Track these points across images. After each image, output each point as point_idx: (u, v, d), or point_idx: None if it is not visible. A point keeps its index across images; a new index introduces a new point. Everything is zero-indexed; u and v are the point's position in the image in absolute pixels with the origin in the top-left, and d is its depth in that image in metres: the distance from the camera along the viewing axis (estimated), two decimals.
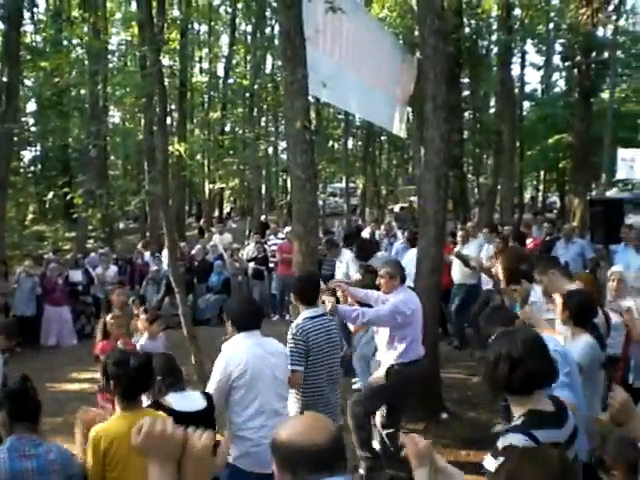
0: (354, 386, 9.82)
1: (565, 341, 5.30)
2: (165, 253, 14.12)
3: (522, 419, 3.30)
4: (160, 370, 4.72)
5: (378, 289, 7.30)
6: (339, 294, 7.07)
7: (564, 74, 37.39)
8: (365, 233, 19.23)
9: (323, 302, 6.45)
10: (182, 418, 3.95)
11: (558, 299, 5.66)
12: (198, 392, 4.86)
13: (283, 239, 17.27)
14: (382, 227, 20.72)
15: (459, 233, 13.50)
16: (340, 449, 2.47)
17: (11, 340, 7.00)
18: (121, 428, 4.03)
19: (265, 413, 5.05)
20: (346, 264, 11.60)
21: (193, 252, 18.43)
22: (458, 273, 12.52)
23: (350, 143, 44.39)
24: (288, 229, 17.74)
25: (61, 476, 3.97)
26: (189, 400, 4.68)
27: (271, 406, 5.11)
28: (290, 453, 2.40)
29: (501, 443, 3.22)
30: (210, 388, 5.02)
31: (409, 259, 10.75)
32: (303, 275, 6.90)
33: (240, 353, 5.07)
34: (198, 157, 32.07)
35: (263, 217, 29.69)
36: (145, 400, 4.56)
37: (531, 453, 2.50)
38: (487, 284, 11.90)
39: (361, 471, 7.02)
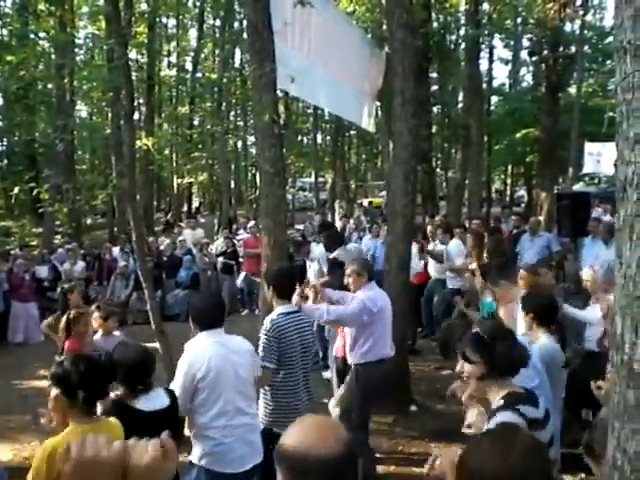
0: (324, 374, 9.92)
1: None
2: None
3: (503, 400, 3.54)
4: (136, 373, 4.59)
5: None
6: (311, 295, 6.75)
7: (531, 69, 37.79)
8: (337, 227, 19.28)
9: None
10: (146, 417, 4.18)
11: (513, 306, 5.83)
12: (161, 389, 4.76)
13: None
14: (351, 221, 20.78)
15: (429, 228, 13.55)
16: (352, 458, 2.22)
17: None
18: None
19: (229, 413, 4.94)
20: (318, 262, 11.51)
21: (162, 247, 18.35)
22: (433, 269, 12.59)
23: (319, 137, 44.50)
24: (252, 224, 17.70)
25: None
26: (153, 398, 4.58)
27: (234, 405, 4.98)
28: (298, 463, 2.15)
29: (493, 423, 3.38)
30: (175, 390, 4.88)
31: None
32: (282, 268, 6.66)
33: (202, 353, 4.94)
34: (166, 152, 31.95)
35: (231, 212, 29.65)
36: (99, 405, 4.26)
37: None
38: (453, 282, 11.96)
39: None
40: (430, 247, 12.75)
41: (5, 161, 36.78)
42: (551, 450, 3.82)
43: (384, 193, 31.36)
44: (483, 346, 3.72)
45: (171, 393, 4.76)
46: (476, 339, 3.81)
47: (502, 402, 3.53)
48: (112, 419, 4.08)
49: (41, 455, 3.68)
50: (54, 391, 3.87)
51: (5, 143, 35.88)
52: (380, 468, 7.14)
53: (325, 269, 10.98)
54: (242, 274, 16.48)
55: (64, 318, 7.85)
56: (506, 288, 6.51)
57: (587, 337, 7.48)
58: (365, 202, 36.81)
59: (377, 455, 7.31)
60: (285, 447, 2.18)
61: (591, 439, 3.63)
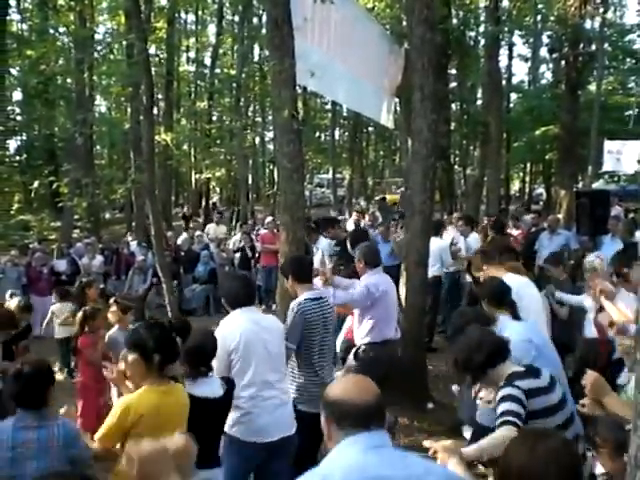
0: None
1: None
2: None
3: (505, 380, 4.16)
4: (195, 356, 4.77)
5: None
6: (320, 282, 7.06)
7: (551, 66, 37.55)
8: (350, 223, 19.19)
9: None
10: (201, 404, 4.45)
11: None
12: (219, 378, 4.88)
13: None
14: (367, 217, 20.72)
15: (459, 222, 13.49)
16: (380, 408, 2.77)
17: (6, 330, 6.86)
18: (151, 402, 4.09)
19: (257, 384, 5.15)
20: (322, 251, 11.57)
21: (179, 242, 18.37)
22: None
23: (337, 134, 44.44)
24: (269, 219, 17.69)
25: (62, 454, 4.00)
26: (209, 386, 4.72)
27: (263, 378, 5.19)
28: (338, 409, 2.73)
29: (497, 397, 4.10)
30: (213, 364, 5.02)
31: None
32: (294, 257, 6.97)
33: (235, 328, 5.19)
34: (185, 147, 32.00)
35: (249, 208, 29.68)
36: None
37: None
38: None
39: None
40: (449, 237, 12.76)
41: (24, 155, 36.92)
42: (572, 426, 4.29)
43: (401, 190, 31.30)
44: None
45: (228, 382, 4.88)
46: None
47: (503, 382, 4.15)
48: (179, 385, 4.43)
49: (115, 411, 4.07)
50: (131, 356, 4.19)
51: (25, 137, 35.98)
52: None
53: (327, 259, 11.08)
54: (258, 268, 16.48)
55: (80, 314, 7.89)
56: (490, 272, 6.81)
57: (585, 324, 7.52)
58: (377, 198, 36.73)
59: None
60: (329, 396, 2.80)
61: (595, 434, 3.80)
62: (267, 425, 5.15)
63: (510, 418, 3.87)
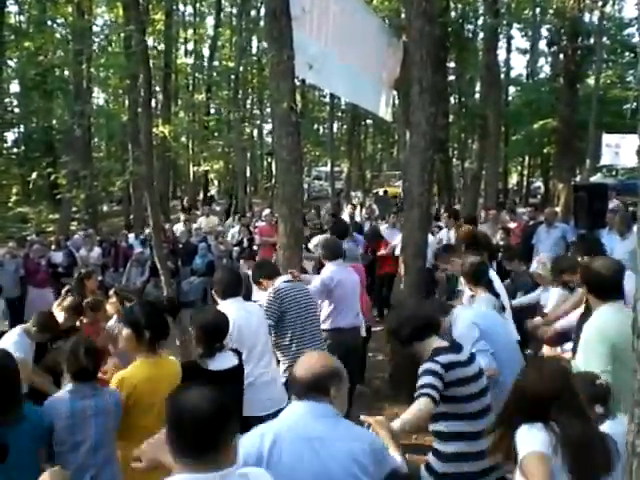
0: None
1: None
2: None
3: (430, 355, 4.43)
4: (212, 333, 5.04)
5: None
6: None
7: (549, 59, 37.55)
8: (345, 216, 19.22)
9: None
10: (215, 377, 4.72)
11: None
12: (230, 350, 5.18)
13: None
14: (364, 210, 20.75)
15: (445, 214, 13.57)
16: (319, 384, 3.16)
17: (44, 334, 6.84)
18: (143, 373, 4.47)
19: (249, 365, 5.58)
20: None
21: (177, 234, 18.36)
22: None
23: (335, 127, 44.38)
24: (267, 212, 17.68)
25: (116, 418, 4.40)
26: (226, 358, 5.03)
27: (254, 358, 5.72)
28: (290, 380, 3.36)
29: (420, 371, 4.37)
30: None
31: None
32: (259, 262, 7.86)
33: (230, 317, 5.36)
34: (183, 139, 31.97)
35: (247, 200, 29.61)
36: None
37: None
38: None
39: None
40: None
41: (22, 148, 36.88)
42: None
43: (400, 183, 31.30)
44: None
45: (239, 354, 5.24)
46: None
47: (429, 356, 4.43)
48: (172, 358, 4.87)
49: (115, 382, 4.46)
50: (125, 331, 4.62)
51: (22, 130, 35.94)
52: None
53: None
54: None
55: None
56: (456, 263, 7.23)
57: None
58: (381, 191, 36.69)
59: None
60: (292, 373, 3.29)
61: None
62: (263, 401, 5.59)
63: (426, 391, 4.19)
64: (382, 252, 13.09)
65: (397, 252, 12.22)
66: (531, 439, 3.28)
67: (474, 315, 5.68)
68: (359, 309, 7.96)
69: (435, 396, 4.18)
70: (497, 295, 6.46)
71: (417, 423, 4.12)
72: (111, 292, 8.16)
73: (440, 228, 14.29)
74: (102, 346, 7.61)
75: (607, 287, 4.87)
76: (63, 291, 9.27)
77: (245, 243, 17.41)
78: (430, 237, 11.94)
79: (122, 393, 4.40)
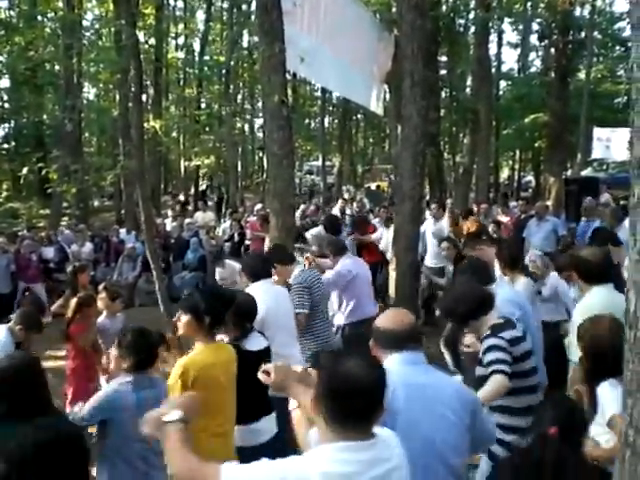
0: None
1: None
2: None
3: (489, 330, 4.61)
4: (245, 314, 5.23)
5: None
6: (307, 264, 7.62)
7: (541, 53, 37.58)
8: (335, 210, 19.22)
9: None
10: (254, 356, 4.86)
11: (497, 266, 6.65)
12: (258, 333, 5.33)
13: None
14: (354, 205, 20.75)
15: (432, 206, 13.55)
16: (412, 334, 3.48)
17: (29, 333, 6.76)
18: (205, 359, 4.44)
19: (278, 346, 5.61)
20: None
21: (168, 229, 18.35)
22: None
23: (327, 121, 44.33)
24: (259, 207, 17.70)
25: None
26: (257, 340, 5.22)
27: (283, 340, 5.84)
28: (379, 335, 3.51)
29: (483, 347, 4.56)
30: None
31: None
32: (275, 245, 7.63)
33: (259, 299, 5.55)
34: (174, 134, 31.90)
35: (238, 195, 29.58)
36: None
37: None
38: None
39: None
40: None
41: (13, 143, 36.73)
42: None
43: (391, 177, 31.33)
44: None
45: (264, 336, 5.39)
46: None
47: (489, 331, 4.60)
48: (226, 343, 4.94)
49: (175, 372, 4.37)
50: (185, 317, 4.62)
51: (13, 125, 35.79)
52: None
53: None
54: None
55: (74, 301, 7.85)
56: (485, 250, 7.25)
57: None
58: (373, 186, 36.68)
59: None
60: (375, 325, 3.56)
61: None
62: None
63: (499, 367, 4.34)
64: (367, 237, 13.04)
65: (381, 246, 12.31)
66: (615, 397, 3.44)
67: (517, 295, 5.84)
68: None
69: (508, 371, 4.34)
70: (535, 279, 6.79)
71: (493, 400, 4.33)
72: (100, 287, 8.14)
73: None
74: (92, 341, 7.65)
75: (594, 272, 5.29)
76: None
77: (236, 238, 17.42)
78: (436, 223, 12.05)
79: (187, 379, 4.35)
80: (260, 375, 2.95)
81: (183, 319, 4.66)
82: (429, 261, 12.12)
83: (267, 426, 5.12)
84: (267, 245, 10.06)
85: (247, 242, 17.23)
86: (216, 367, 4.48)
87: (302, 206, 20.42)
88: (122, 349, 4.63)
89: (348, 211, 19.39)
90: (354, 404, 2.42)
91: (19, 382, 3.80)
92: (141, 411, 4.04)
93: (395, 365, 3.35)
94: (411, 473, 2.67)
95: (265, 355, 5.13)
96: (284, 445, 4.87)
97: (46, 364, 10.39)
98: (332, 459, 2.35)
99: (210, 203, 33.81)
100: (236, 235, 17.54)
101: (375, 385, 2.48)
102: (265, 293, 5.84)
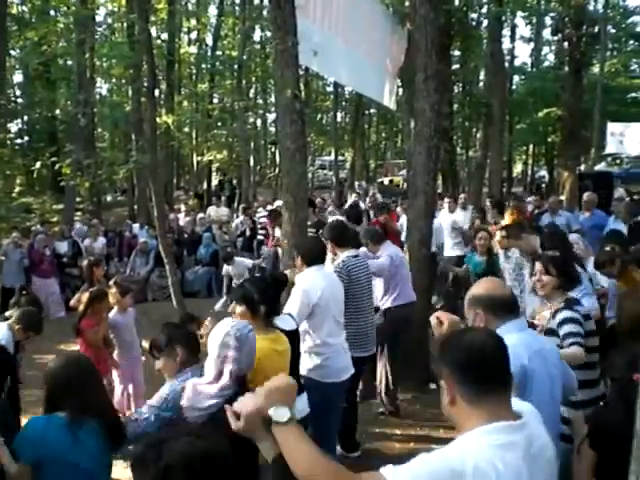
0: None
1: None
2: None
3: (563, 303, 4.98)
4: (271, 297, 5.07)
5: None
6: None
7: (554, 48, 37.40)
8: (349, 204, 19.23)
9: None
10: (288, 335, 4.95)
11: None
12: (288, 315, 5.42)
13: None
14: (367, 199, 20.72)
15: (446, 199, 13.64)
16: (516, 299, 3.74)
17: (28, 333, 6.71)
18: (264, 348, 4.36)
19: (332, 333, 6.02)
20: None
21: (181, 224, 18.38)
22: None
23: (339, 116, 44.27)
24: (278, 203, 17.68)
25: None
26: (286, 321, 5.26)
27: (334, 327, 6.09)
28: (492, 302, 3.57)
29: (558, 318, 4.84)
30: (292, 312, 5.63)
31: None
32: (335, 223, 8.01)
33: (315, 284, 5.90)
34: (186, 129, 31.89)
35: (251, 190, 29.53)
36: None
37: None
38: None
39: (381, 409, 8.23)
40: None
41: (26, 138, 36.82)
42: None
43: (404, 172, 31.27)
44: (560, 264, 5.29)
45: (293, 317, 5.48)
46: (556, 259, 5.41)
47: (563, 304, 4.96)
48: (281, 333, 4.90)
49: None
50: (239, 308, 4.71)
51: (26, 120, 35.89)
52: (399, 445, 7.37)
53: None
54: (264, 250, 16.47)
55: (86, 295, 7.88)
56: (529, 240, 7.71)
57: None
58: (386, 180, 36.62)
59: (397, 432, 7.70)
60: (481, 295, 3.62)
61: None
62: (341, 368, 6.09)
63: (578, 339, 4.65)
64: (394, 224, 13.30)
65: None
66: None
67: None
68: None
69: (584, 344, 4.68)
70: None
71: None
72: (111, 282, 8.17)
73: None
74: (103, 336, 7.67)
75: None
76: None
77: (247, 233, 17.45)
78: (436, 222, 12.08)
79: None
80: (229, 415, 2.51)
81: (238, 310, 4.73)
82: (447, 251, 12.87)
83: (299, 406, 4.98)
84: (278, 239, 10.18)
85: (259, 237, 17.27)
86: (273, 357, 4.52)
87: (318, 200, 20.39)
88: (166, 349, 4.34)
89: (362, 205, 19.37)
90: (489, 370, 2.39)
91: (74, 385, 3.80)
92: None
93: (515, 332, 3.50)
94: None
95: (294, 335, 5.24)
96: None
97: None
98: (487, 444, 2.25)
99: (223, 198, 33.86)
100: (248, 230, 17.56)
101: (501, 348, 2.48)
102: (321, 279, 6.03)
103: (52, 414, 3.79)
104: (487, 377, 2.37)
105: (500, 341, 2.52)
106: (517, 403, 2.48)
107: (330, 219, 12.66)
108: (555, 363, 3.69)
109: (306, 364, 5.86)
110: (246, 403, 2.43)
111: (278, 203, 17.67)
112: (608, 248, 7.21)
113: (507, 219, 12.59)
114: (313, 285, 5.91)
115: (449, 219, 12.69)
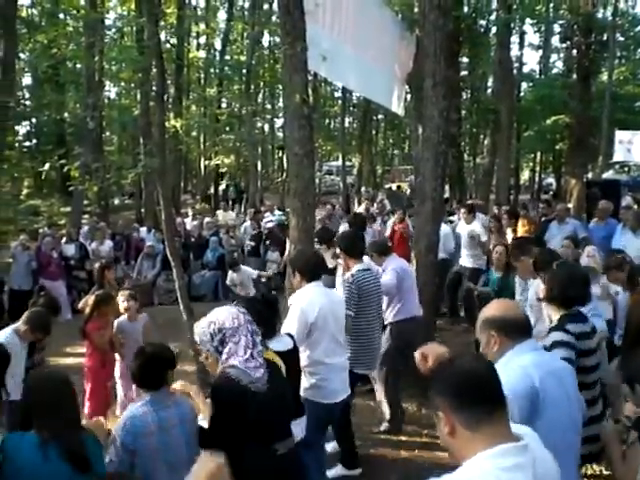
0: None
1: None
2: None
3: (557, 321, 4.79)
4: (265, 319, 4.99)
5: None
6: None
7: (562, 55, 37.36)
8: (360, 211, 19.22)
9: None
10: (281, 356, 4.66)
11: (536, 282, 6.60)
12: (285, 334, 5.36)
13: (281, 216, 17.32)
14: (375, 205, 20.72)
15: (462, 210, 13.60)
16: (528, 322, 3.71)
17: (36, 334, 6.67)
18: None
19: (329, 352, 5.82)
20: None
21: (188, 228, 18.42)
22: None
23: (347, 121, 44.30)
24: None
25: (195, 427, 4.23)
26: (282, 341, 5.17)
27: (333, 346, 5.88)
28: (505, 324, 3.51)
29: (549, 340, 4.63)
30: (290, 331, 5.54)
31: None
32: (348, 233, 8.11)
33: (313, 301, 5.73)
34: (194, 133, 31.96)
35: (258, 195, 29.53)
36: None
37: None
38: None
39: (382, 428, 7.87)
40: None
41: (34, 140, 36.92)
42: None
43: (411, 178, 31.26)
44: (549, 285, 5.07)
45: (292, 337, 5.39)
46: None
47: (556, 322, 4.79)
48: (273, 353, 4.67)
49: None
50: None
51: (34, 122, 35.99)
52: (404, 452, 7.33)
53: None
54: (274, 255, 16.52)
55: (92, 298, 7.92)
56: (526, 263, 7.40)
57: None
58: (393, 186, 36.62)
59: (402, 439, 7.64)
60: (494, 316, 3.57)
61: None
62: (338, 389, 5.92)
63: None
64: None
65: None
66: None
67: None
68: None
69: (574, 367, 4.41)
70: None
71: None
72: (125, 292, 8.25)
73: (451, 222, 14.36)
74: (111, 339, 7.70)
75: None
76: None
77: (255, 238, 17.50)
78: (445, 228, 12.07)
79: None
80: None
81: None
82: (465, 260, 12.64)
83: (296, 431, 4.89)
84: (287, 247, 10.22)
85: (267, 242, 17.30)
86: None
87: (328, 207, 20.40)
88: (137, 369, 4.39)
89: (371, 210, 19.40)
90: (485, 392, 2.34)
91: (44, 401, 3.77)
92: (162, 433, 4.16)
93: (528, 353, 3.51)
94: (557, 454, 2.62)
95: (292, 355, 5.15)
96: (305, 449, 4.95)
97: (66, 361, 10.52)
98: (494, 467, 2.19)
99: (230, 202, 33.92)
100: (253, 234, 17.62)
101: (492, 370, 2.43)
102: (319, 297, 5.82)
103: (26, 432, 3.75)
104: (484, 399, 2.33)
105: (490, 364, 2.52)
106: (514, 426, 2.43)
107: (341, 227, 12.75)
108: (572, 382, 3.67)
109: (302, 383, 5.67)
110: None
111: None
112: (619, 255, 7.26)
113: (520, 230, 12.74)
114: (311, 303, 5.73)
115: (466, 229, 12.62)
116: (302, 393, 5.63)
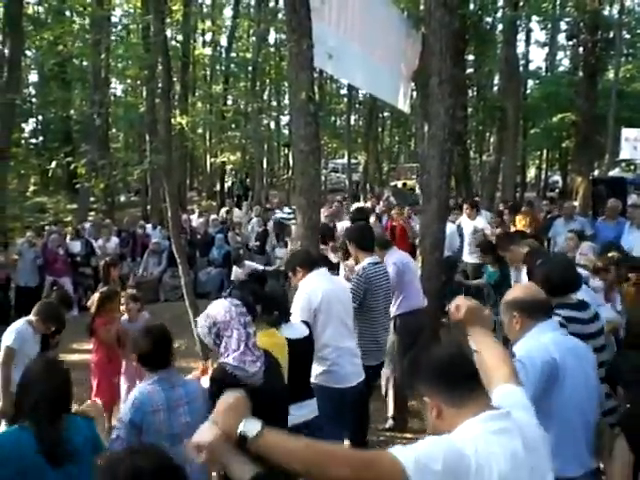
0: None
1: None
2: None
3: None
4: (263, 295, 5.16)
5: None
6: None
7: (568, 53, 37.31)
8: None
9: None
10: (294, 343, 4.97)
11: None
12: (301, 322, 5.45)
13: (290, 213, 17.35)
14: (381, 203, 20.70)
15: (465, 206, 13.57)
16: (549, 303, 3.97)
17: (47, 324, 6.70)
18: (267, 344, 4.28)
19: (337, 337, 5.85)
20: None
21: (194, 225, 18.42)
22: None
23: (353, 119, 44.27)
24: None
25: (205, 407, 4.14)
26: (294, 329, 5.26)
27: (341, 330, 5.92)
28: (527, 305, 3.81)
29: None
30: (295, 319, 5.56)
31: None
32: (358, 225, 8.10)
33: (317, 288, 5.79)
34: (199, 130, 31.98)
35: (264, 192, 29.52)
36: None
37: None
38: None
39: (387, 425, 7.94)
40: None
41: (41, 138, 37.00)
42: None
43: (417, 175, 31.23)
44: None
45: (308, 324, 5.48)
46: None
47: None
48: (279, 334, 4.99)
49: None
50: None
51: (41, 119, 36.06)
52: (410, 435, 7.52)
53: None
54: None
55: (97, 295, 7.94)
56: (515, 251, 7.63)
57: None
58: (399, 184, 36.58)
59: (408, 436, 7.61)
60: (516, 298, 3.88)
61: None
62: (349, 374, 5.93)
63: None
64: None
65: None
66: None
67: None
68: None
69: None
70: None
71: None
72: (128, 291, 8.28)
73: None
74: (117, 334, 7.71)
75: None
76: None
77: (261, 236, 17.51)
78: (450, 226, 12.06)
79: None
80: (189, 449, 2.43)
81: None
82: (467, 257, 12.58)
83: (301, 411, 5.12)
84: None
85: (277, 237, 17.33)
86: (275, 350, 4.45)
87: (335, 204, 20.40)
88: (140, 348, 4.47)
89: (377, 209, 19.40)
90: (464, 368, 2.53)
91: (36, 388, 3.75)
92: (171, 412, 4.23)
93: (549, 332, 3.81)
94: (572, 429, 3.28)
95: (305, 343, 5.25)
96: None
97: (72, 357, 10.54)
98: (483, 430, 2.33)
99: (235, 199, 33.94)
100: (261, 232, 17.62)
101: (465, 352, 2.64)
102: (323, 283, 5.90)
103: (15, 426, 3.76)
104: (464, 376, 2.49)
105: (462, 346, 2.70)
106: (497, 399, 2.59)
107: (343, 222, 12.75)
108: (590, 361, 3.91)
109: (314, 370, 5.69)
110: (205, 433, 2.39)
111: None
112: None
113: (518, 224, 12.74)
114: (314, 289, 5.80)
115: (470, 226, 12.61)
116: (313, 379, 5.68)
